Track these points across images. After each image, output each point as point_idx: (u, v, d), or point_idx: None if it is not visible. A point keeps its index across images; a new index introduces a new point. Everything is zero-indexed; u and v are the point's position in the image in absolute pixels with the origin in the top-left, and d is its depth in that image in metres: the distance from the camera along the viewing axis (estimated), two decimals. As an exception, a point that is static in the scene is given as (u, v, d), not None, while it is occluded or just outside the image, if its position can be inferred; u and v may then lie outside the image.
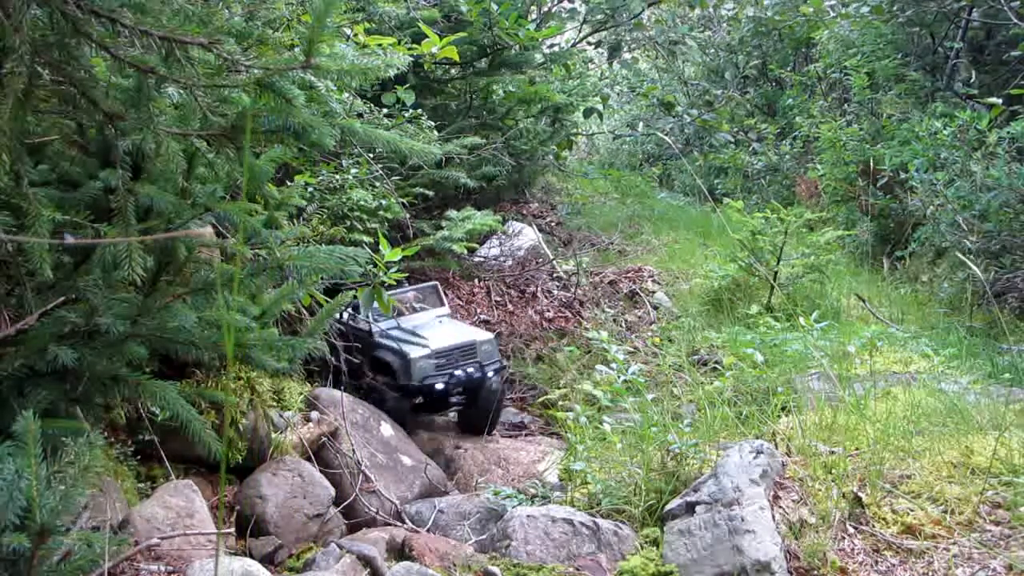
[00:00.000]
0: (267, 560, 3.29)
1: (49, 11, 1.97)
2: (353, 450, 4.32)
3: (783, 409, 4.01)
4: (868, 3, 9.09)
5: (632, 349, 6.37)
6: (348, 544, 3.04)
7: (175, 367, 3.30)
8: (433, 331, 5.21)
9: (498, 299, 7.05)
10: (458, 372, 5.09)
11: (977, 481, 2.94)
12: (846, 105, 10.43)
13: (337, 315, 4.83)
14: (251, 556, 3.22)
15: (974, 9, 8.82)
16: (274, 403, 4.08)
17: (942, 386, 4.04)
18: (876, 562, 2.71)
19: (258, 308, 2.89)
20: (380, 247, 4.48)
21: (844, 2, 10.12)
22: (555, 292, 7.35)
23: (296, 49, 2.28)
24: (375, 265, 4.36)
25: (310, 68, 2.17)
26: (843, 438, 3.39)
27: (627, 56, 13.21)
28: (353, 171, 5.18)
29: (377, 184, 5.33)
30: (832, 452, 3.29)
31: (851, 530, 2.86)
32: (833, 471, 3.12)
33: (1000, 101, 6.97)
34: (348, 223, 4.93)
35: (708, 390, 4.42)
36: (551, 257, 7.91)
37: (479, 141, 6.45)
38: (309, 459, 4.04)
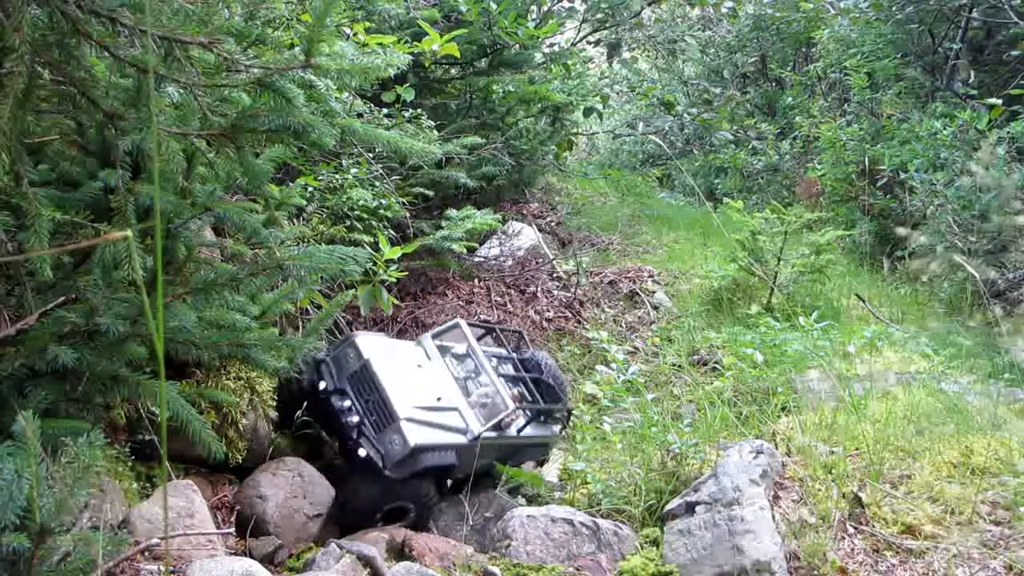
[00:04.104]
0: (267, 560, 3.29)
1: (49, 11, 1.97)
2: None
3: (783, 409, 4.01)
4: None
5: (632, 349, 6.38)
6: (348, 544, 3.04)
7: (175, 367, 3.30)
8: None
9: (498, 299, 7.05)
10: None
11: (977, 481, 2.94)
12: (846, 105, 10.44)
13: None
14: (251, 556, 3.22)
15: (974, 9, 8.83)
16: (274, 403, 4.08)
17: (942, 386, 4.05)
18: (876, 562, 2.71)
19: (258, 308, 2.89)
20: (380, 246, 4.48)
21: None
22: (555, 292, 7.35)
23: (296, 48, 2.28)
24: (375, 265, 4.36)
25: (310, 67, 2.17)
26: (843, 438, 3.40)
27: (626, 55, 13.22)
28: (353, 171, 5.18)
29: (377, 184, 5.33)
30: (832, 452, 3.30)
31: (851, 530, 2.86)
32: (833, 471, 3.12)
33: (1000, 101, 6.97)
34: (348, 223, 4.93)
35: (708, 390, 4.43)
36: (551, 257, 7.92)
37: (479, 141, 6.44)
38: (309, 459, 4.03)
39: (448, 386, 4.18)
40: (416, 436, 3.71)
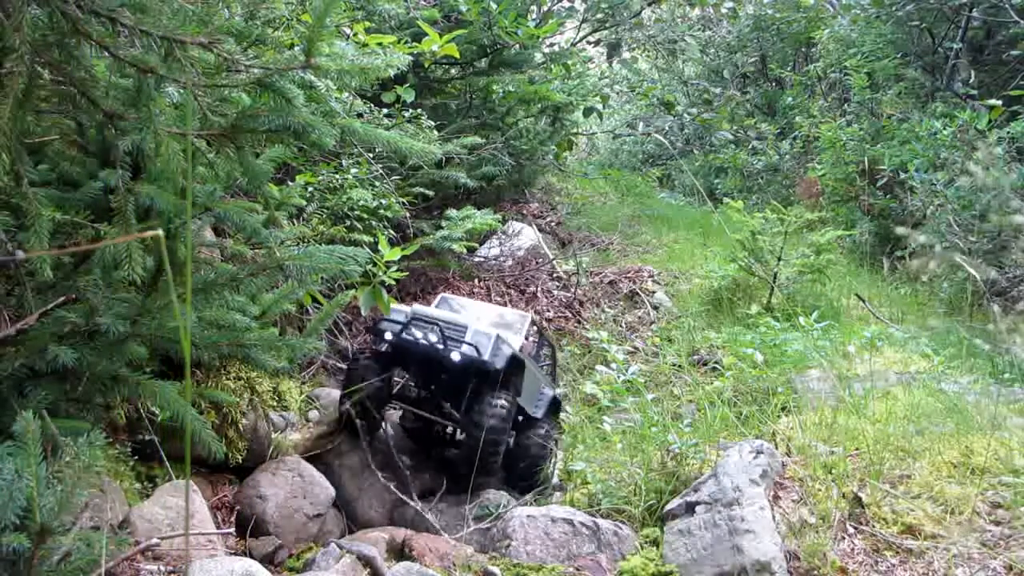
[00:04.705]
0: (267, 560, 3.29)
1: (49, 11, 1.97)
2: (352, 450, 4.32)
3: (783, 409, 4.01)
4: (868, -4, 9.11)
5: (632, 349, 6.38)
6: (348, 544, 3.04)
7: (175, 367, 3.30)
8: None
9: (498, 299, 7.05)
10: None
11: (977, 481, 2.94)
12: (846, 105, 10.44)
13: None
14: (251, 556, 3.22)
15: (974, 8, 8.83)
16: (274, 403, 4.08)
17: (942, 386, 4.04)
18: (876, 562, 2.71)
19: (258, 308, 2.89)
20: (380, 247, 4.48)
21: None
22: (555, 292, 7.35)
23: (296, 48, 2.28)
24: (375, 266, 4.36)
25: (310, 68, 2.17)
26: (843, 438, 3.40)
27: (626, 55, 13.22)
28: (353, 171, 5.18)
29: (377, 184, 5.32)
30: (832, 452, 3.29)
31: (851, 530, 2.86)
32: (833, 471, 3.12)
33: (1000, 101, 6.98)
34: (348, 223, 4.93)
35: (708, 390, 4.42)
36: (551, 257, 7.92)
37: (479, 141, 6.44)
38: (309, 459, 4.03)
39: (477, 319, 4.64)
40: (493, 330, 4.22)
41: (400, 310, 4.33)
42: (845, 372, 4.30)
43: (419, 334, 4.15)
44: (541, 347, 5.17)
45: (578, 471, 3.86)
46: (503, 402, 4.05)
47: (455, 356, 3.99)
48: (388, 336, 4.18)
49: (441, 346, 4.05)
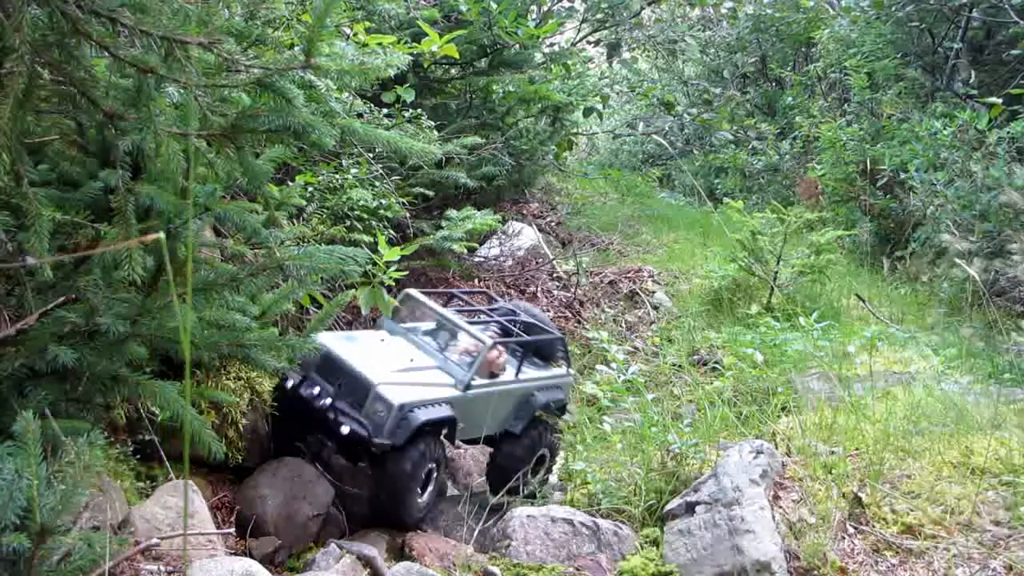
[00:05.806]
0: (267, 560, 3.29)
1: (49, 11, 1.97)
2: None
3: (783, 409, 4.02)
4: (868, -2, 9.11)
5: (632, 349, 6.38)
6: (348, 544, 3.04)
7: (175, 367, 3.30)
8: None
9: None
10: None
11: (977, 481, 2.94)
12: (846, 105, 10.44)
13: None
14: (251, 556, 3.22)
15: (974, 8, 8.83)
16: (274, 403, 4.08)
17: (942, 386, 4.05)
18: (876, 562, 2.71)
19: (258, 308, 2.89)
20: (380, 247, 4.48)
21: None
22: (555, 292, 7.35)
23: (296, 48, 2.28)
24: (375, 266, 4.35)
25: (310, 68, 2.17)
26: (843, 438, 3.40)
27: (626, 55, 13.23)
28: (353, 171, 5.18)
29: (377, 184, 5.32)
30: (832, 452, 3.30)
31: (851, 530, 2.86)
32: (833, 471, 3.12)
33: (1000, 101, 6.98)
34: (348, 223, 4.92)
35: (708, 390, 4.43)
36: (551, 257, 7.92)
37: (479, 141, 6.44)
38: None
39: (418, 351, 4.10)
40: (399, 395, 3.59)
41: (320, 346, 3.61)
42: (845, 372, 4.30)
43: (315, 390, 3.66)
44: (553, 345, 4.76)
45: (578, 471, 3.86)
46: (406, 462, 3.60)
47: (344, 429, 3.53)
48: (288, 384, 3.73)
49: (332, 414, 3.58)
